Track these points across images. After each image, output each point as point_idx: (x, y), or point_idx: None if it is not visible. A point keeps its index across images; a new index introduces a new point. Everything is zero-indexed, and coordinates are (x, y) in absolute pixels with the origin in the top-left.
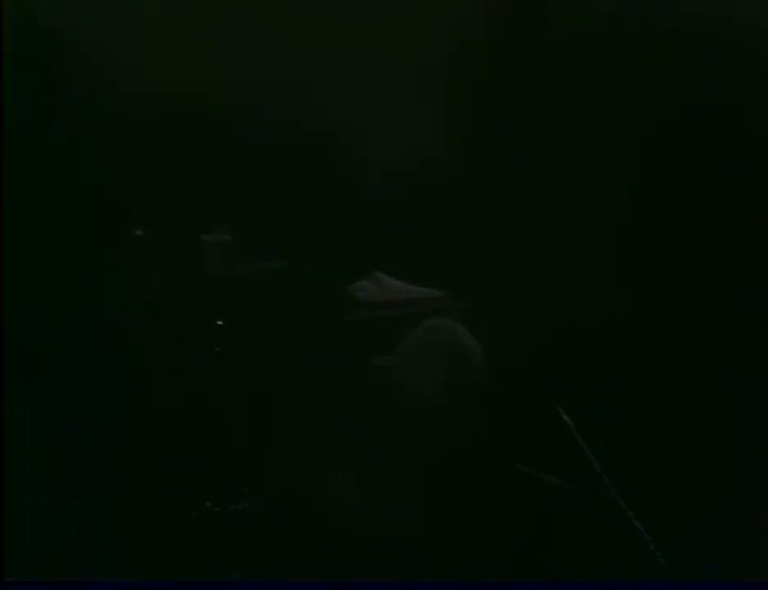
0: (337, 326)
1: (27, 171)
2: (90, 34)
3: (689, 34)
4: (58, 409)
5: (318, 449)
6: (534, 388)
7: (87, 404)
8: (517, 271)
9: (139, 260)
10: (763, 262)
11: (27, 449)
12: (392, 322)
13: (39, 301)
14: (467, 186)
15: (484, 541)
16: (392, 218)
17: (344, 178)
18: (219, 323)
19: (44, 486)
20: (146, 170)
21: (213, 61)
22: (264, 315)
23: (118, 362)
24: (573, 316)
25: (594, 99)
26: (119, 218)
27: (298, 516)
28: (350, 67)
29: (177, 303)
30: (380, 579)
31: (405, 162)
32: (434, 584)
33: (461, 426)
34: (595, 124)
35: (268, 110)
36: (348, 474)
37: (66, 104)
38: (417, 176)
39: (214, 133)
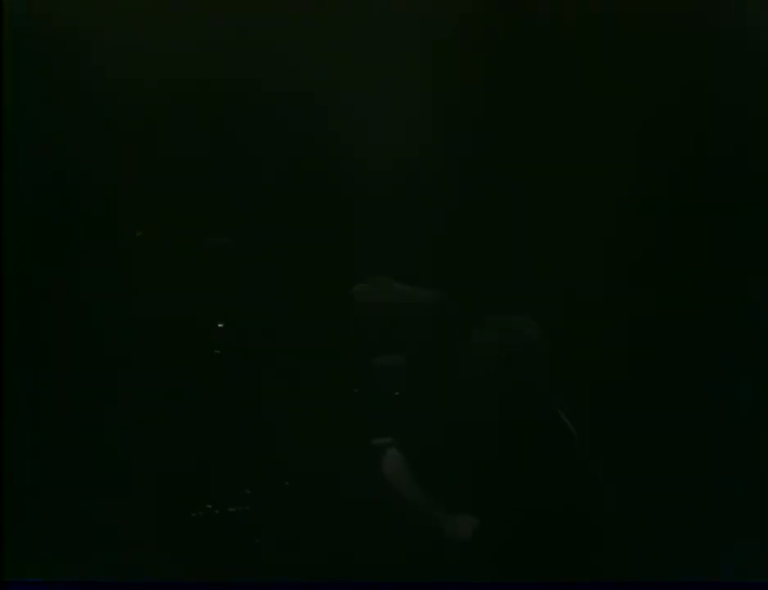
0: (338, 327)
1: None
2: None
3: None
4: (58, 410)
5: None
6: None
7: (87, 404)
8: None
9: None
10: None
11: (27, 449)
12: (392, 323)
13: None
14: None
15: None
16: (393, 220)
17: (345, 180)
18: (220, 325)
19: (44, 486)
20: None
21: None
22: (264, 317)
23: (116, 363)
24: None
25: None
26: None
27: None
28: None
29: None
30: (384, 579)
31: (407, 164)
32: (434, 584)
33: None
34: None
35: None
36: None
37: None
38: (418, 178)
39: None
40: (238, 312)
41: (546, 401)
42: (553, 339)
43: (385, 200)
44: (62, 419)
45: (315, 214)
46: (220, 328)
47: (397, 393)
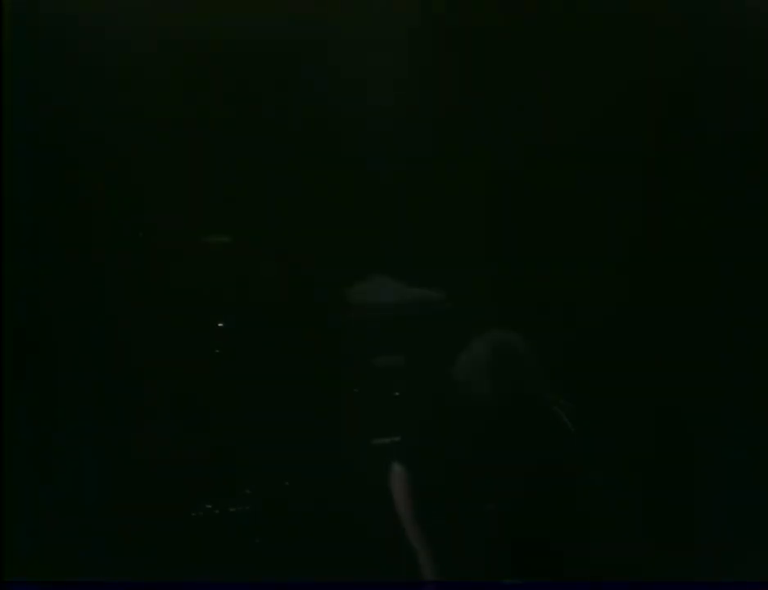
0: (339, 327)
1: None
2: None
3: None
4: (58, 410)
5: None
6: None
7: (87, 405)
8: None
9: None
10: None
11: (27, 449)
12: (392, 323)
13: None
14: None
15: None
16: (393, 220)
17: (346, 181)
18: (220, 325)
19: (44, 486)
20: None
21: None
22: (266, 318)
23: (117, 363)
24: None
25: None
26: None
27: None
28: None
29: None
30: (381, 579)
31: (408, 165)
32: (435, 584)
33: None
34: None
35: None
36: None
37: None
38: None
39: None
40: (237, 312)
41: (545, 401)
42: (552, 338)
43: (384, 200)
44: (61, 421)
45: (314, 213)
46: (220, 327)
47: (397, 393)
